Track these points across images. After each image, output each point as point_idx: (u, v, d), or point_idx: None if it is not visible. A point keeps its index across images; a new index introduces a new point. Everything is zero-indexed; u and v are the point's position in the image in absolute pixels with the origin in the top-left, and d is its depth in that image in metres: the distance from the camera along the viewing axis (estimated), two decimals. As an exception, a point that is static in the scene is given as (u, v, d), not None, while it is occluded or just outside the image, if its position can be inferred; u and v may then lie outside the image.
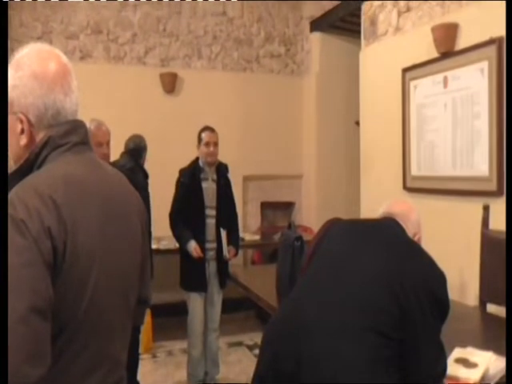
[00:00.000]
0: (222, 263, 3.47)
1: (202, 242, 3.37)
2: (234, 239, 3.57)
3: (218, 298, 3.53)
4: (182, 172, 3.51)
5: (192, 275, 3.39)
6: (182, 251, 3.42)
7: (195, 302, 3.41)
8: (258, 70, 5.60)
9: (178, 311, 4.05)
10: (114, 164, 2.73)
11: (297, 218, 5.67)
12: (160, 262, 3.58)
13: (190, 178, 3.43)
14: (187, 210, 3.39)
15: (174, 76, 5.20)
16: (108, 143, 2.81)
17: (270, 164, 5.54)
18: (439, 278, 1.46)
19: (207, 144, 3.43)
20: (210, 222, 3.42)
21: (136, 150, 3.51)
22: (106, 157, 2.73)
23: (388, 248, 1.53)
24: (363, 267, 1.47)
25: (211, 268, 3.46)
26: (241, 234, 4.26)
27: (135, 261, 1.16)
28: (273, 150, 5.56)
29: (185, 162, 3.55)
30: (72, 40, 4.99)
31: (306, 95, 5.64)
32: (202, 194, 3.40)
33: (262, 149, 5.50)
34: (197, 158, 3.51)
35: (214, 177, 3.51)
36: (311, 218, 5.53)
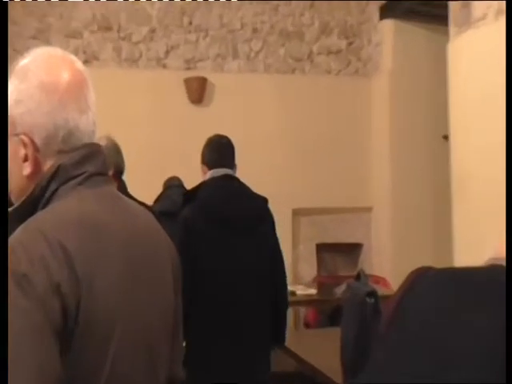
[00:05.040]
0: None
1: None
2: None
3: None
4: None
5: None
6: None
7: None
8: (312, 71, 5.64)
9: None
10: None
11: (365, 264, 5.60)
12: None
13: None
14: None
15: (203, 81, 5.28)
16: None
17: (328, 193, 5.51)
18: None
19: None
20: None
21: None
22: None
23: (501, 309, 1.46)
24: (470, 336, 1.40)
25: None
26: (290, 287, 4.17)
27: (166, 325, 1.19)
28: (332, 174, 5.54)
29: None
30: (74, 39, 5.16)
31: (376, 102, 5.63)
32: None
33: (317, 173, 5.49)
34: None
35: None
36: (385, 264, 5.47)
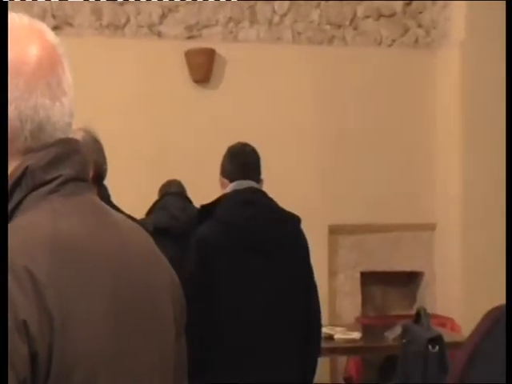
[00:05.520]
0: None
1: None
2: None
3: None
4: None
5: None
6: None
7: None
8: (355, 41, 5.64)
9: None
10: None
11: (427, 300, 5.60)
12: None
13: None
14: None
15: (210, 54, 5.30)
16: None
17: (375, 205, 5.50)
18: None
19: None
20: None
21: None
22: None
23: None
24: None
25: None
26: (326, 329, 4.21)
27: (166, 373, 1.22)
28: (381, 179, 5.55)
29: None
30: (40, -2, 5.19)
31: (443, 82, 5.60)
32: None
33: (361, 178, 5.50)
34: None
35: None
36: (453, 300, 5.44)
